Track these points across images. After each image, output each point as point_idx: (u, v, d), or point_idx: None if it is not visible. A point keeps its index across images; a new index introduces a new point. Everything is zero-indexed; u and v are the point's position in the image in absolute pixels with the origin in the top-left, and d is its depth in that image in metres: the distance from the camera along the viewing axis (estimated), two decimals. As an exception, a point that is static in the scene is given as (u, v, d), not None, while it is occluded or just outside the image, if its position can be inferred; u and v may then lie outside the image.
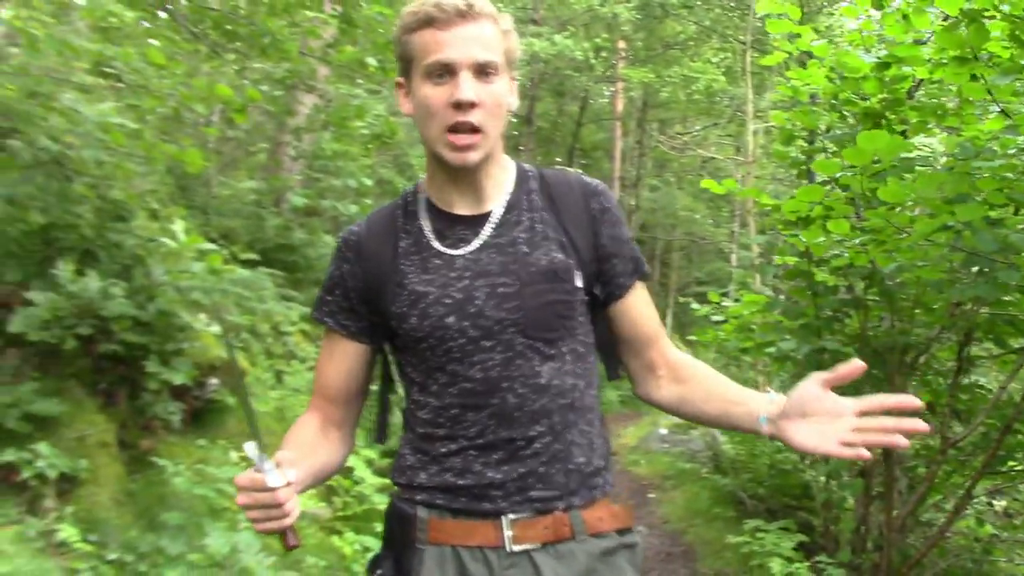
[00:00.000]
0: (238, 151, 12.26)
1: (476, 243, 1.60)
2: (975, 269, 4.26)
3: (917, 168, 4.39)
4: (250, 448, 1.37)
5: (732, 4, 15.10)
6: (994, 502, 6.69)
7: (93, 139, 3.69)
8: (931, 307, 5.04)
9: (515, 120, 16.63)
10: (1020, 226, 4.24)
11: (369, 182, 9.03)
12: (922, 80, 5.02)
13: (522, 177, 1.70)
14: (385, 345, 1.70)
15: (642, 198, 23.87)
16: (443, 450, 1.57)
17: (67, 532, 3.21)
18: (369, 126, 8.57)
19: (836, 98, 5.17)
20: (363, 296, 1.63)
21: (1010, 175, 3.98)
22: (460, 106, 1.50)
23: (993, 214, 4.41)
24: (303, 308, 6.28)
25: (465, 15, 1.52)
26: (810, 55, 5.21)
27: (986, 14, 3.86)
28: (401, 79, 1.61)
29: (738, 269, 13.31)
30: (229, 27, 7.55)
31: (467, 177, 1.60)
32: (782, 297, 5.91)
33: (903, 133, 5.14)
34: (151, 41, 8.69)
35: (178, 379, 3.92)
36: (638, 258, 1.72)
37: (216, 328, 4.23)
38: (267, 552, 3.48)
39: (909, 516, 5.16)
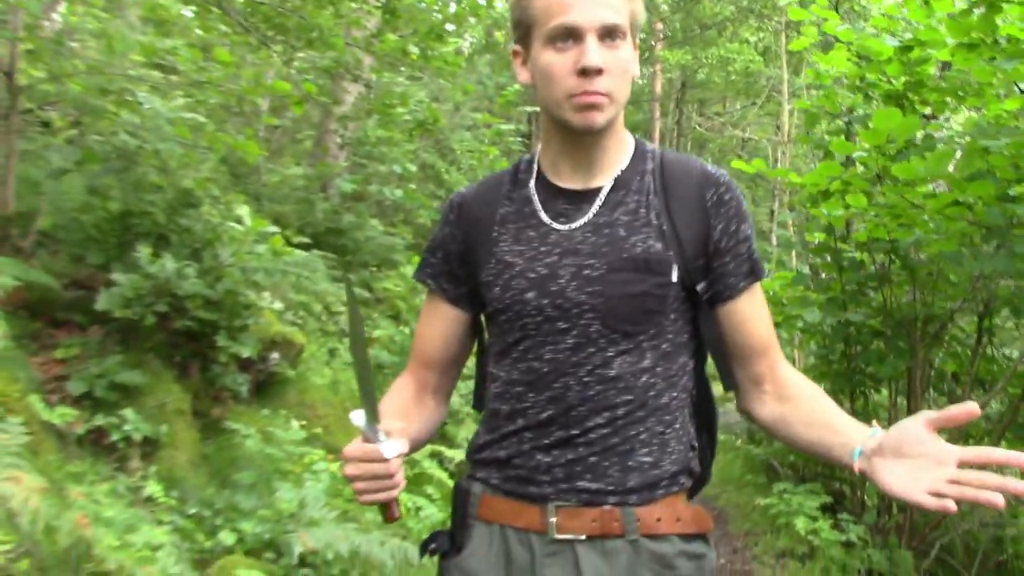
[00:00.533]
0: (284, 139, 12.64)
1: (579, 221, 1.53)
2: (994, 243, 4.49)
3: (938, 147, 4.62)
4: (358, 417, 1.37)
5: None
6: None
7: (165, 133, 4.04)
8: (952, 280, 5.26)
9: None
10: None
11: (413, 168, 9.34)
12: (948, 62, 5.20)
13: (639, 155, 1.60)
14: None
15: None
16: (505, 429, 1.54)
17: (152, 488, 3.58)
18: (411, 113, 8.89)
19: (861, 80, 5.39)
20: (462, 260, 1.60)
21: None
22: (586, 72, 1.42)
23: (1013, 191, 4.64)
24: (332, 286, 6.61)
25: None
26: (836, 39, 5.43)
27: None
28: (517, 47, 1.54)
29: (776, 248, 13.51)
30: (278, 20, 7.91)
31: (585, 145, 1.53)
32: (812, 273, 6.16)
33: (928, 116, 5.37)
34: (197, 31, 9.11)
35: (245, 352, 4.28)
36: (755, 259, 1.58)
37: (279, 305, 4.58)
38: (330, 507, 3.84)
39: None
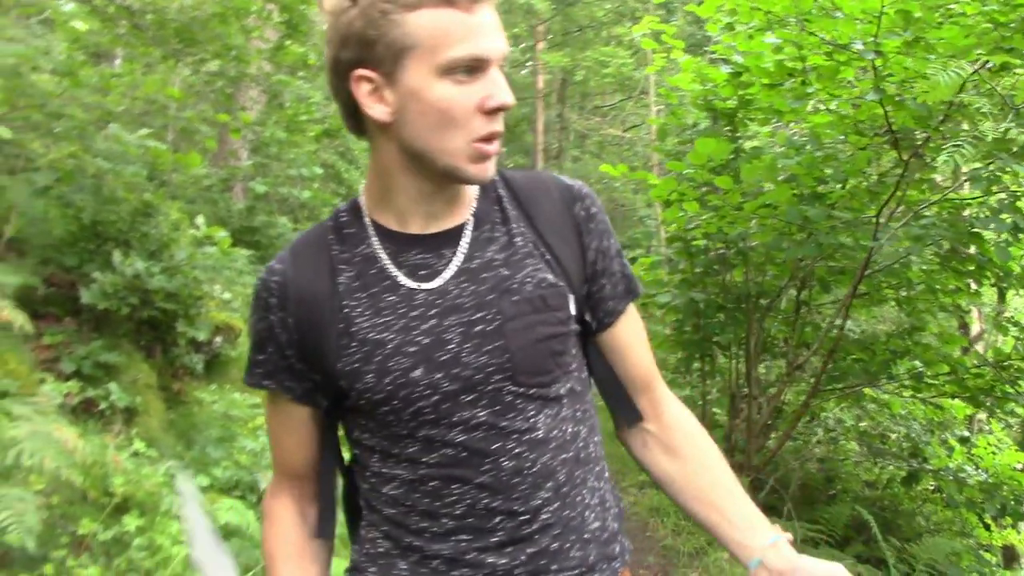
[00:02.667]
0: (185, 141, 13.26)
1: (447, 271, 1.30)
2: (805, 234, 5.72)
3: (760, 157, 5.83)
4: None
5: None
6: (844, 418, 8.24)
7: (130, 157, 4.89)
8: (778, 263, 6.51)
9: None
10: (831, 203, 5.69)
11: (319, 170, 10.20)
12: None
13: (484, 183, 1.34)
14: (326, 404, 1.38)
15: (565, 169, 25.28)
16: (426, 535, 1.30)
17: (137, 445, 4.45)
18: (318, 122, 9.78)
19: (703, 99, 6.57)
20: (301, 351, 1.32)
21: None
22: (496, 113, 1.21)
23: (821, 189, 5.90)
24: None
25: None
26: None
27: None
28: (366, 71, 1.21)
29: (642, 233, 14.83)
30: (187, 35, 8.62)
31: (452, 191, 1.31)
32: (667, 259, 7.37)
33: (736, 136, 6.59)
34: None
35: (201, 336, 5.17)
36: (630, 276, 1.44)
37: (228, 295, 5.48)
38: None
39: (765, 425, 6.65)
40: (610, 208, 28.43)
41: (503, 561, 1.27)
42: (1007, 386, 6.33)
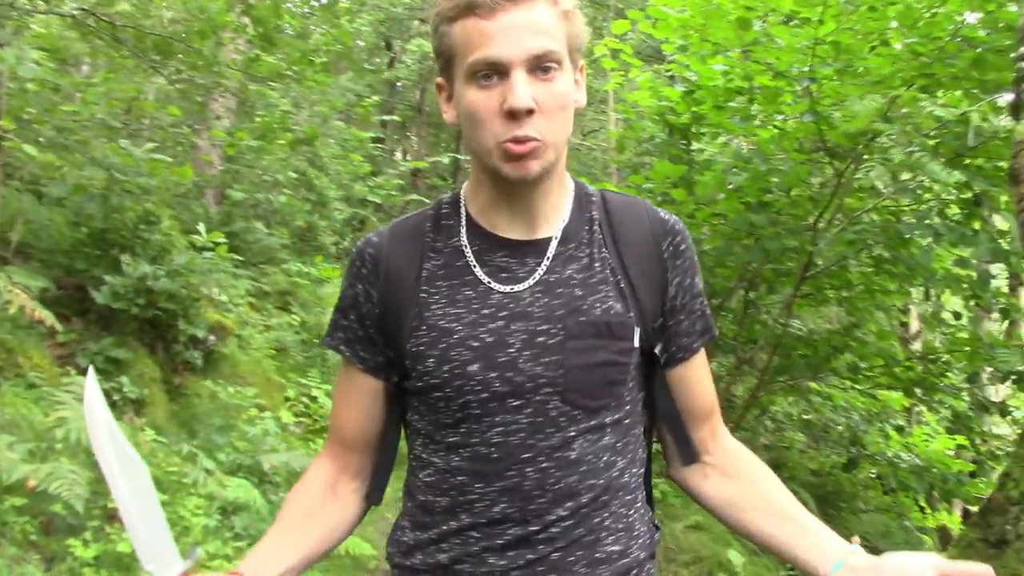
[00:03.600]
0: (161, 149, 13.62)
1: (528, 279, 1.34)
2: (752, 239, 6.28)
3: (712, 168, 6.39)
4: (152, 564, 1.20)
5: (595, 2, 17.08)
6: (791, 411, 8.86)
7: (139, 169, 5.34)
8: (729, 265, 7.07)
9: (408, 108, 18.33)
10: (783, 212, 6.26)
11: (293, 175, 10.63)
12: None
13: (582, 200, 1.41)
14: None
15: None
16: (443, 527, 1.35)
17: (149, 433, 4.90)
18: (291, 130, 10.25)
19: (659, 115, 7.12)
20: (380, 324, 1.37)
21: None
22: (514, 115, 1.22)
23: (767, 198, 6.47)
24: (249, 283, 7.89)
25: None
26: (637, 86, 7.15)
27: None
28: (441, 80, 1.34)
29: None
30: (165, 48, 9.02)
31: (522, 194, 1.33)
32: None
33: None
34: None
35: (200, 333, 5.62)
36: (708, 316, 1.47)
37: (224, 297, 5.93)
38: (279, 440, 5.25)
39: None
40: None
41: (502, 562, 1.30)
42: (935, 378, 6.96)
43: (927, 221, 5.59)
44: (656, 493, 5.72)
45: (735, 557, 4.37)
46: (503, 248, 1.35)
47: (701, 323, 1.44)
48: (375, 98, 14.69)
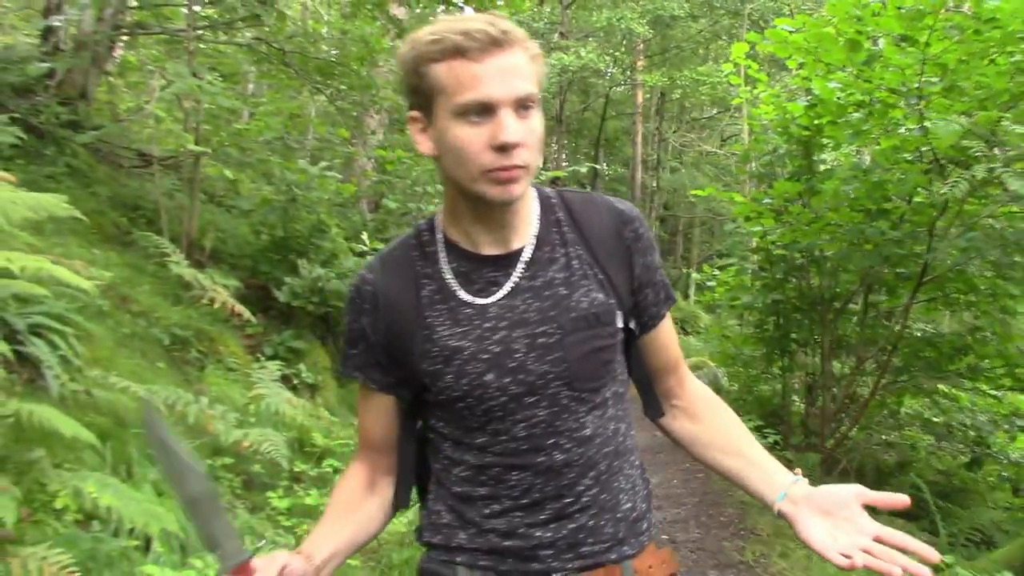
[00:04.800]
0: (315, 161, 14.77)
1: (507, 286, 1.47)
2: (871, 246, 6.67)
3: (831, 178, 6.81)
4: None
5: (731, 12, 17.45)
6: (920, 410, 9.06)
7: (313, 184, 6.19)
8: (851, 270, 7.44)
9: (548, 118, 19.03)
10: (895, 222, 6.61)
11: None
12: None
13: (546, 206, 1.56)
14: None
15: (662, 180, 26.23)
16: (486, 511, 1.50)
17: (323, 413, 5.71)
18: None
19: (783, 128, 7.56)
20: (388, 351, 1.50)
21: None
22: (505, 149, 1.34)
23: (887, 206, 6.84)
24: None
25: (500, 43, 1.35)
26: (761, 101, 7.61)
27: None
28: (416, 113, 1.42)
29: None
30: (326, 70, 9.96)
31: (501, 213, 1.46)
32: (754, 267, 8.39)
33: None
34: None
35: (364, 329, 6.43)
36: (667, 284, 1.63)
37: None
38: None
39: (837, 413, 7.58)
40: (708, 217, 29.27)
41: (548, 535, 1.47)
42: (1059, 380, 7.14)
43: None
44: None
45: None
46: (487, 264, 1.48)
47: (664, 292, 1.59)
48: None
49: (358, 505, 1.59)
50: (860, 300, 7.57)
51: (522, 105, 1.36)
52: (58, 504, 3.22)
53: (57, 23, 8.16)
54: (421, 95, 1.39)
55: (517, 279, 1.47)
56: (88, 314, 4.56)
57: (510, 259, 1.48)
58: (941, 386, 8.16)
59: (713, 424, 1.63)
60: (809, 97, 7.20)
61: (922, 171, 6.30)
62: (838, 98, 6.43)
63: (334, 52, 11.07)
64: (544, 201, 1.55)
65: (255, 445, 4.06)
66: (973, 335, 7.60)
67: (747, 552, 5.07)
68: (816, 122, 7.05)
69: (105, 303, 4.80)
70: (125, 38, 9.02)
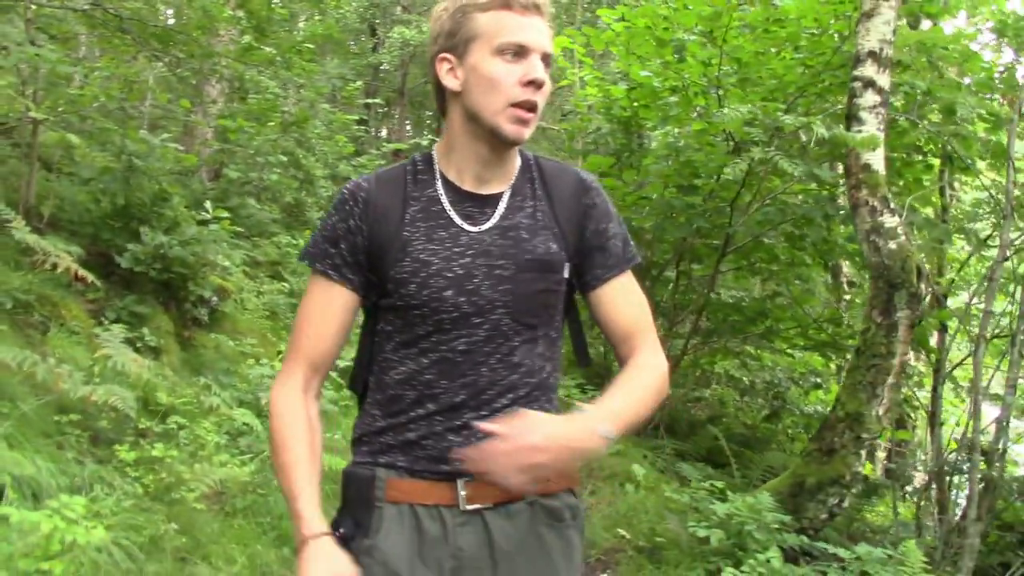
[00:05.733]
0: (152, 129, 14.56)
1: (487, 223, 1.67)
2: (683, 218, 7.35)
3: (645, 158, 7.45)
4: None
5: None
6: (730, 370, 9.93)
7: (156, 154, 6.37)
8: (664, 240, 8.13)
9: (391, 91, 19.28)
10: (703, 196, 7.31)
11: (284, 158, 11.61)
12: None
13: (525, 165, 1.75)
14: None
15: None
16: (411, 413, 1.65)
17: (168, 372, 5.94)
18: (282, 114, 11.27)
19: (604, 109, 8.16)
20: (366, 253, 1.65)
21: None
22: (533, 84, 1.58)
23: (697, 182, 7.51)
24: (243, 254, 8.92)
25: (539, 8, 1.62)
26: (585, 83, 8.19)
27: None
28: (447, 55, 1.64)
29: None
30: (166, 37, 9.95)
31: (499, 154, 1.68)
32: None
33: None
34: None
35: (206, 294, 6.66)
36: (619, 253, 1.75)
37: (228, 263, 6.99)
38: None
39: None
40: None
41: (459, 439, 1.61)
42: (843, 340, 8.05)
43: (819, 205, 6.68)
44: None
45: (637, 470, 5.45)
46: (469, 199, 1.68)
47: (612, 259, 1.74)
48: (359, 82, 15.65)
49: (314, 442, 1.67)
50: (673, 268, 8.29)
51: (544, 61, 1.62)
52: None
53: None
54: (457, 38, 1.62)
55: (496, 218, 1.67)
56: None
57: (489, 200, 1.69)
58: (748, 347, 9.01)
59: (620, 375, 1.73)
60: (628, 82, 7.82)
61: (724, 152, 7.02)
62: (656, 85, 7.06)
63: (172, 20, 11.03)
64: (524, 161, 1.76)
65: (103, 399, 4.31)
66: (772, 300, 8.45)
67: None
68: (634, 104, 7.69)
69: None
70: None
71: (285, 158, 11.62)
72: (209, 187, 11.18)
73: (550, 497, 1.69)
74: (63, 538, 3.26)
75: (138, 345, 6.05)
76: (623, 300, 1.76)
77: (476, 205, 1.68)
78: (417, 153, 1.79)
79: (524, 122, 1.60)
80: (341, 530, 1.62)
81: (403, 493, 1.63)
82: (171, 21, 11.60)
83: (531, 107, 1.60)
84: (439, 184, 1.69)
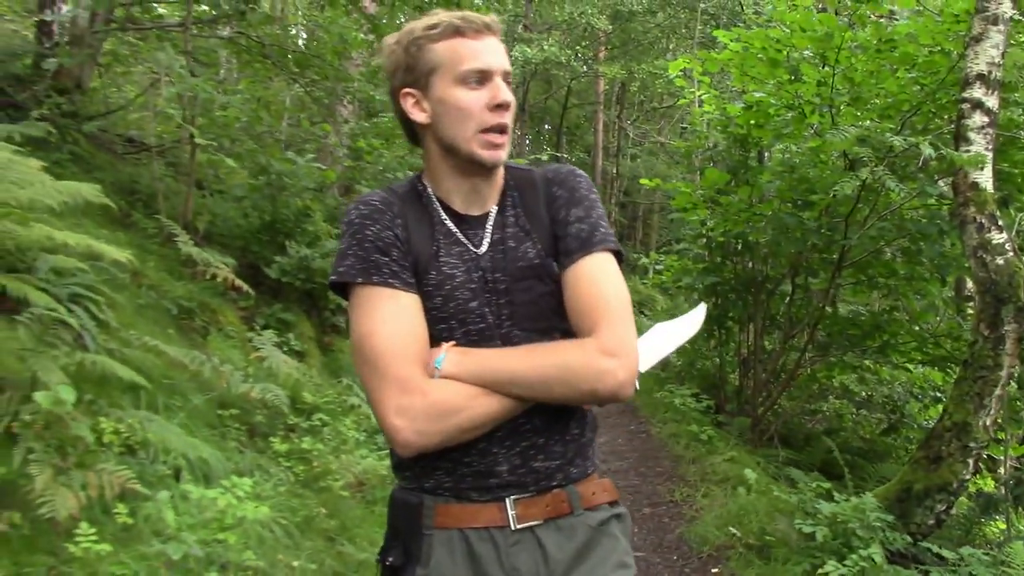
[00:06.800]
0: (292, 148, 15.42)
1: (485, 242, 1.68)
2: (798, 233, 7.54)
3: (762, 173, 7.67)
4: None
5: (687, 7, 18.37)
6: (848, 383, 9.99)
7: (301, 174, 6.94)
8: (779, 255, 8.32)
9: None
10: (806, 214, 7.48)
11: (411, 173, 12.15)
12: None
13: (504, 177, 1.76)
14: None
15: (622, 166, 27.11)
16: None
17: (313, 374, 6.47)
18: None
19: (723, 127, 8.41)
20: (409, 259, 1.64)
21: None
22: (500, 107, 1.60)
23: (813, 198, 7.68)
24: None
25: (490, 28, 1.64)
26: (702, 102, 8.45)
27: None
28: (410, 89, 1.64)
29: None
30: (303, 62, 10.62)
31: (482, 178, 1.69)
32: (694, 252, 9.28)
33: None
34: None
35: (344, 303, 7.19)
36: (583, 237, 1.69)
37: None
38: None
39: (767, 383, 8.46)
40: (666, 204, 30.15)
41: (502, 451, 1.61)
42: (961, 354, 8.05)
43: (936, 221, 6.77)
44: (704, 436, 7.13)
45: (749, 474, 5.68)
46: (463, 222, 1.70)
47: (576, 243, 1.67)
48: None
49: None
50: (789, 282, 8.45)
51: (505, 79, 1.65)
52: (105, 440, 3.96)
53: (54, 17, 8.75)
54: (417, 71, 1.63)
55: (488, 238, 1.68)
56: (111, 286, 5.28)
57: (481, 220, 1.70)
58: (867, 361, 9.07)
59: None
60: (744, 99, 8.03)
61: (840, 168, 7.18)
62: (772, 102, 7.28)
63: (303, 41, 11.68)
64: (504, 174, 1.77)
65: (261, 395, 4.82)
66: (889, 314, 8.51)
67: (676, 493, 5.97)
68: (751, 123, 7.92)
69: (125, 277, 5.51)
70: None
71: (412, 174, 12.14)
72: (342, 202, 11.86)
73: (596, 509, 1.69)
74: (235, 513, 3.75)
75: (285, 349, 6.60)
76: (585, 282, 1.67)
77: (471, 226, 1.70)
78: (412, 173, 1.85)
79: (497, 145, 1.63)
80: (390, 559, 1.64)
81: (452, 518, 1.61)
82: (301, 43, 12.25)
83: (502, 129, 1.63)
84: (438, 206, 1.70)
